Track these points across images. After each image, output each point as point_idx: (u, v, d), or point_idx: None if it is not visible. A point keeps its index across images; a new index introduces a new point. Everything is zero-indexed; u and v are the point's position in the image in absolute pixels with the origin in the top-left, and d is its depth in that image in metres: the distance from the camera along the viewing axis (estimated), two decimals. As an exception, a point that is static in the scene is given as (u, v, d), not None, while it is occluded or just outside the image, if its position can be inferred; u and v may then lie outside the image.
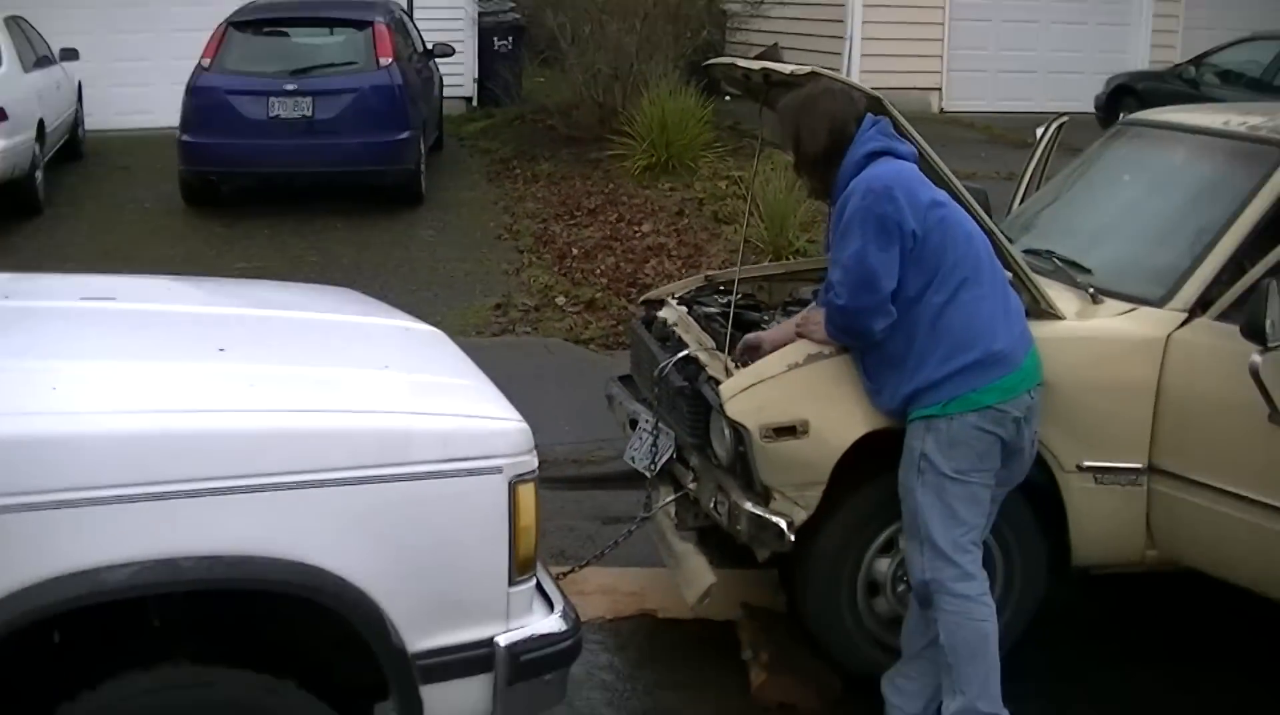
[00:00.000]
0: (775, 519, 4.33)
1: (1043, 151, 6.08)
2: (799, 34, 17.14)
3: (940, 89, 16.84)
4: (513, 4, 17.41)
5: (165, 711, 2.71)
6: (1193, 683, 4.81)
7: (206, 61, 11.24)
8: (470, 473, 2.90)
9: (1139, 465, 4.49)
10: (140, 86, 15.11)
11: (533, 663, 3.00)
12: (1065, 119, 6.10)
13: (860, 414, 4.33)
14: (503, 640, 2.96)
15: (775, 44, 17.34)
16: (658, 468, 4.99)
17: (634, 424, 5.25)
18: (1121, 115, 13.14)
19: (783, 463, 4.33)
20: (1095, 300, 4.63)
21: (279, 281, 5.01)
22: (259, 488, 2.69)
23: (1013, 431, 4.10)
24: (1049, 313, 4.49)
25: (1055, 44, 17.30)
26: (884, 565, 4.52)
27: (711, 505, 4.63)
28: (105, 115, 14.67)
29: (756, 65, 4.90)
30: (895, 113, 4.34)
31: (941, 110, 16.66)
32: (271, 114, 11.02)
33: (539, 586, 3.16)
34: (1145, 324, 4.52)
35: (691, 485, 4.82)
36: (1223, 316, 4.39)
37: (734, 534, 4.50)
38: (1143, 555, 4.67)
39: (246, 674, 2.77)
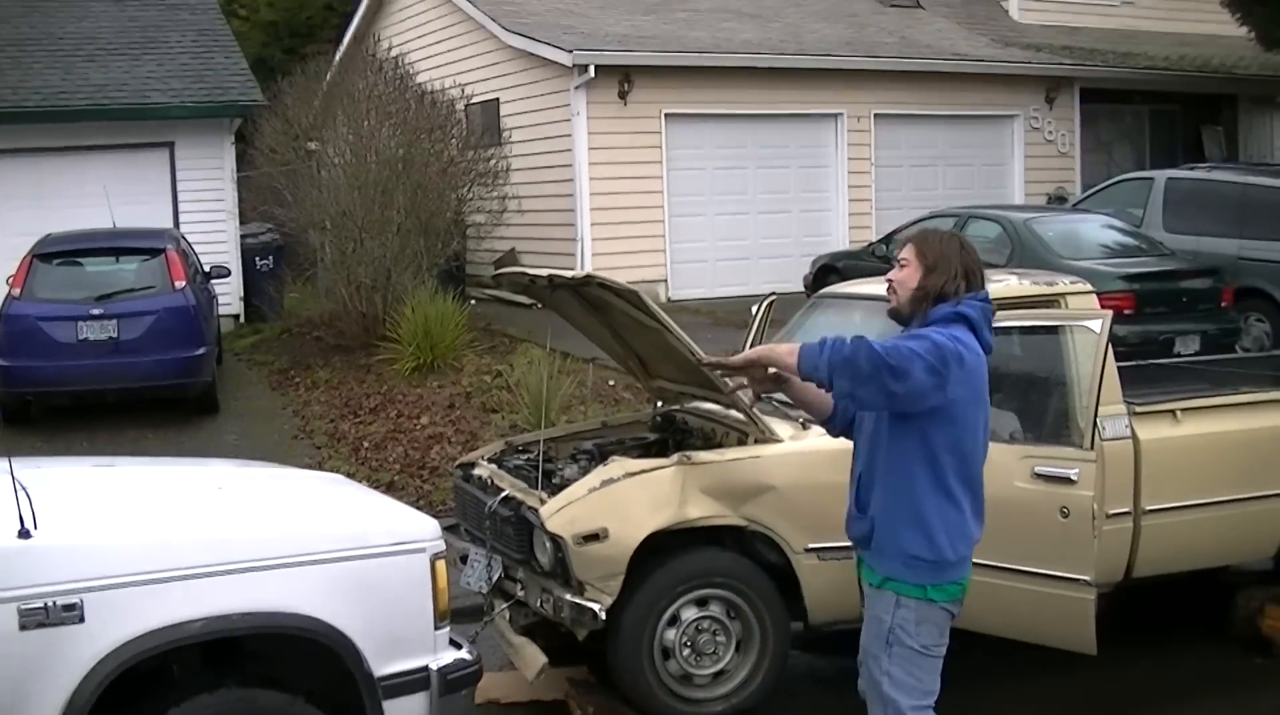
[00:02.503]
0: (590, 605, 5.86)
1: (758, 324, 7.91)
2: (536, 238, 18.67)
3: (666, 280, 18.22)
4: (270, 226, 18.73)
5: (225, 716, 4.10)
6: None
7: (17, 291, 12.28)
8: (406, 552, 4.40)
9: (848, 543, 6.16)
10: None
11: (455, 680, 4.46)
12: (774, 297, 7.95)
13: (644, 521, 5.92)
14: (434, 665, 4.42)
15: (513, 249, 18.97)
16: (492, 584, 6.47)
17: (464, 559, 6.72)
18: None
19: (591, 562, 5.87)
20: (805, 427, 6.32)
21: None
22: (279, 567, 4.12)
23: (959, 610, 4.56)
24: (771, 437, 6.20)
25: (764, 232, 19.12)
26: (672, 634, 6.06)
27: (539, 604, 6.14)
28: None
29: (544, 272, 6.53)
30: None
31: (669, 299, 17.82)
32: (80, 337, 12.12)
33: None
34: (840, 441, 6.24)
35: (520, 593, 6.31)
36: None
37: (559, 621, 6.02)
38: (859, 612, 6.25)
39: (275, 693, 4.17)
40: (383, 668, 4.29)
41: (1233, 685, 6.67)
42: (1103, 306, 7.04)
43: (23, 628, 3.79)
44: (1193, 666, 6.81)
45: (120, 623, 3.90)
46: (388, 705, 4.31)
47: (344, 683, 4.29)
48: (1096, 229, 14.32)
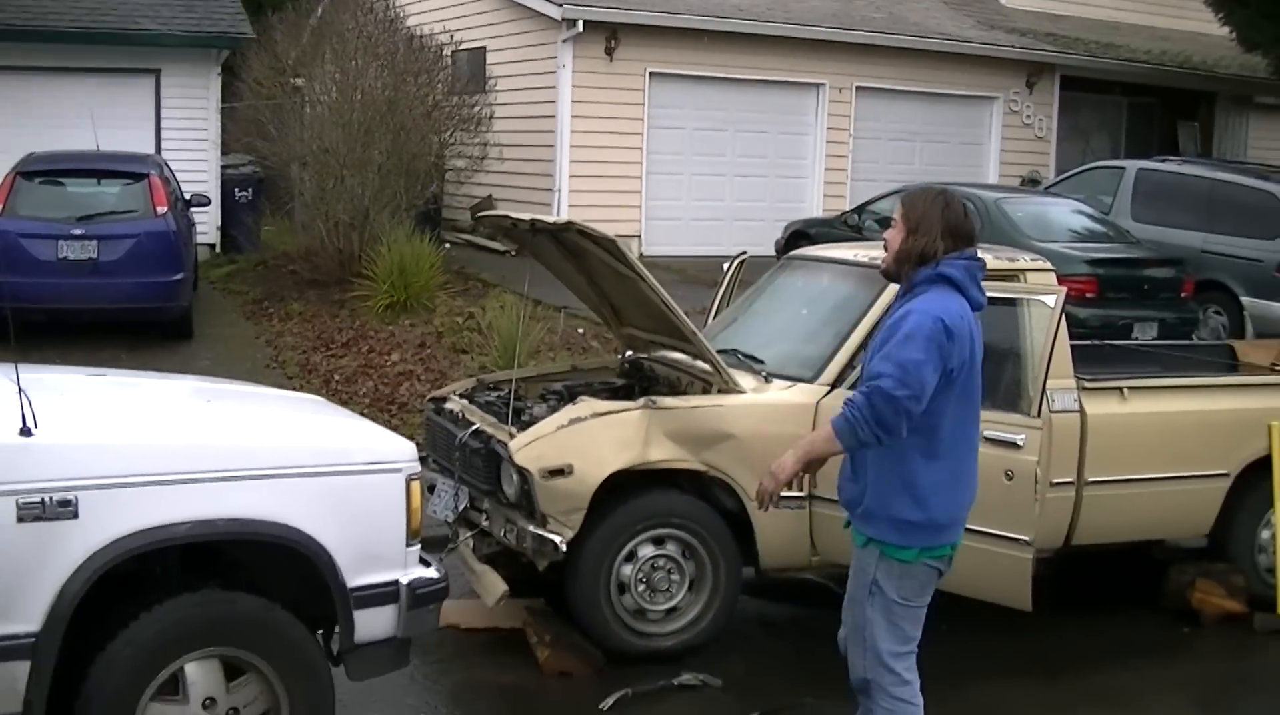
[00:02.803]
0: (552, 536, 6.11)
1: (729, 281, 8.15)
2: (514, 187, 18.82)
3: (640, 236, 18.43)
4: (250, 159, 18.82)
5: (207, 616, 4.33)
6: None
7: (-1, 207, 12.47)
8: (383, 471, 4.63)
9: (802, 494, 6.38)
10: None
11: (423, 595, 4.70)
12: (745, 254, 8.19)
13: (608, 459, 6.17)
14: (404, 580, 4.66)
15: (490, 195, 19.15)
16: (457, 514, 6.72)
17: (433, 489, 6.95)
18: (794, 256, 15.34)
19: (555, 495, 6.12)
20: (767, 380, 6.59)
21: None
22: (263, 477, 4.35)
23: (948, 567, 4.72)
24: (733, 388, 6.46)
25: (739, 195, 19.37)
26: (628, 570, 6.32)
27: (503, 534, 6.38)
28: None
29: (526, 216, 6.75)
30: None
31: (641, 255, 17.75)
32: (60, 256, 12.24)
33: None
34: (801, 394, 6.50)
35: (485, 523, 6.55)
36: (853, 386, 6.37)
37: (521, 551, 6.26)
38: (809, 560, 6.61)
39: (254, 596, 4.41)
40: (355, 579, 4.52)
41: (1161, 651, 7.01)
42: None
43: (20, 520, 4.01)
44: (1124, 632, 7.13)
45: (112, 520, 4.12)
46: (358, 615, 4.54)
47: (316, 595, 4.53)
48: (1065, 213, 14.47)
